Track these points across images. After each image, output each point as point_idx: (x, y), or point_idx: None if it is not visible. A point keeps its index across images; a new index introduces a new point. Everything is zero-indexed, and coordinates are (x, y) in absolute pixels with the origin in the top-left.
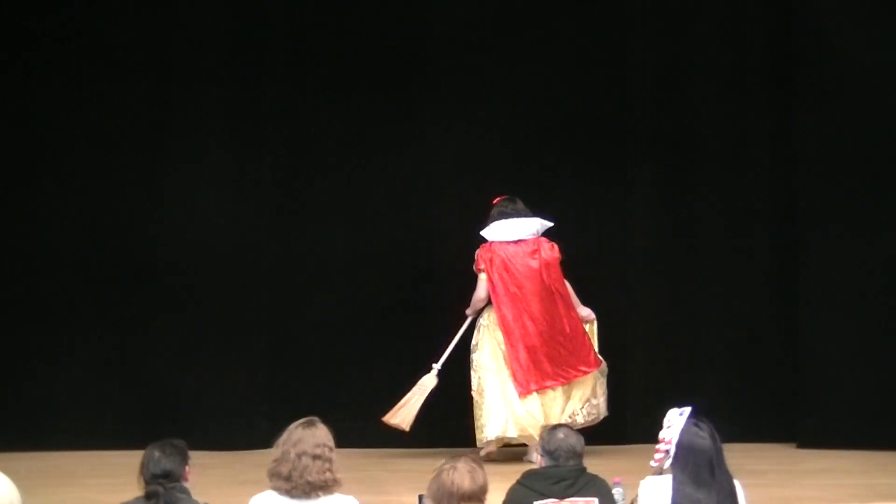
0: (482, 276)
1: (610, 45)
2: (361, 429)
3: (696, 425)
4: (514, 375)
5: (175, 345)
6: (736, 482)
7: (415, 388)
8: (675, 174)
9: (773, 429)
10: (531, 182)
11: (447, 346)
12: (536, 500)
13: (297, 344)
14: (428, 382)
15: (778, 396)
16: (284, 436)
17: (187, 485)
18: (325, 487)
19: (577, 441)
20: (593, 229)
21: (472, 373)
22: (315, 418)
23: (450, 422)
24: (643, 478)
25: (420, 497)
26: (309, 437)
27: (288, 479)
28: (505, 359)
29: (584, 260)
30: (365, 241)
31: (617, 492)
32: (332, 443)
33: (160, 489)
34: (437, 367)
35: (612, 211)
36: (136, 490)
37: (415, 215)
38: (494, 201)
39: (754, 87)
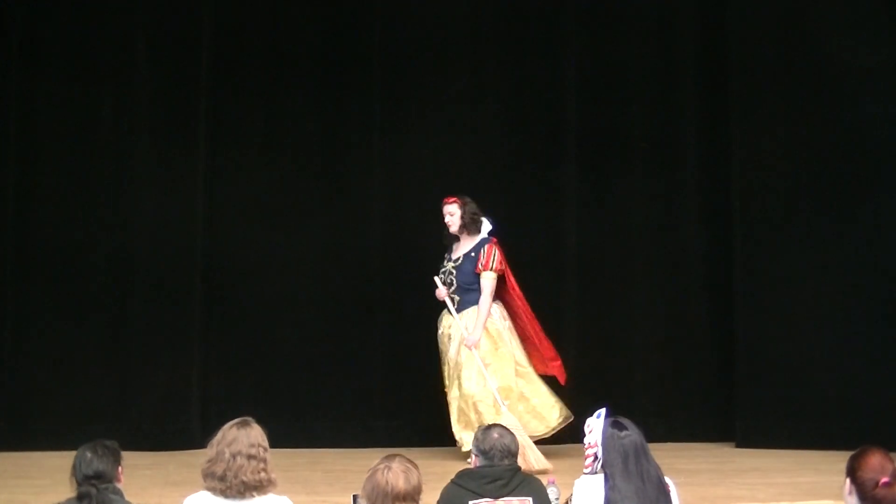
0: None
1: (542, 49)
2: (293, 429)
3: (615, 424)
4: (551, 361)
5: (107, 343)
6: (669, 480)
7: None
8: (606, 177)
9: (712, 429)
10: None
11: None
12: (471, 499)
13: (231, 344)
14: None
15: (715, 396)
16: (219, 435)
17: (120, 486)
18: (260, 487)
19: (511, 441)
20: (526, 232)
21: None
22: (249, 419)
23: (384, 420)
24: (576, 477)
25: (354, 497)
26: (243, 437)
27: (222, 479)
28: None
29: (517, 262)
30: (314, 240)
31: (551, 491)
32: (266, 443)
33: (93, 490)
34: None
35: (545, 214)
36: (67, 491)
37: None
38: (451, 200)
39: (686, 90)
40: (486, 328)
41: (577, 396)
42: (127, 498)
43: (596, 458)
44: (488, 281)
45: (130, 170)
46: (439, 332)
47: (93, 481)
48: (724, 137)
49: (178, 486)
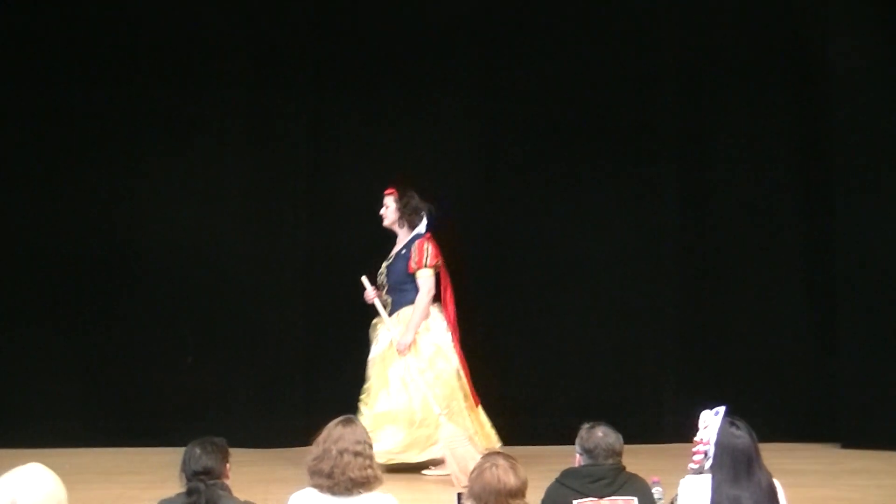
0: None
1: (633, 47)
2: None
3: (733, 424)
4: (469, 384)
5: (211, 341)
6: (775, 482)
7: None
8: (699, 176)
9: (816, 429)
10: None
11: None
12: (575, 498)
13: (333, 341)
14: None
15: (820, 396)
16: (324, 434)
17: (227, 482)
18: (367, 484)
19: (615, 439)
20: (622, 232)
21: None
22: (353, 416)
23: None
24: (680, 477)
25: (458, 496)
26: (349, 434)
27: (330, 476)
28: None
29: (614, 262)
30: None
31: (656, 491)
32: (370, 440)
33: (201, 486)
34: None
35: (642, 212)
36: (176, 487)
37: None
38: (388, 191)
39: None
40: (434, 341)
41: (679, 394)
42: (234, 494)
43: (706, 455)
44: (425, 279)
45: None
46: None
47: (201, 477)
48: (821, 133)
49: (283, 483)
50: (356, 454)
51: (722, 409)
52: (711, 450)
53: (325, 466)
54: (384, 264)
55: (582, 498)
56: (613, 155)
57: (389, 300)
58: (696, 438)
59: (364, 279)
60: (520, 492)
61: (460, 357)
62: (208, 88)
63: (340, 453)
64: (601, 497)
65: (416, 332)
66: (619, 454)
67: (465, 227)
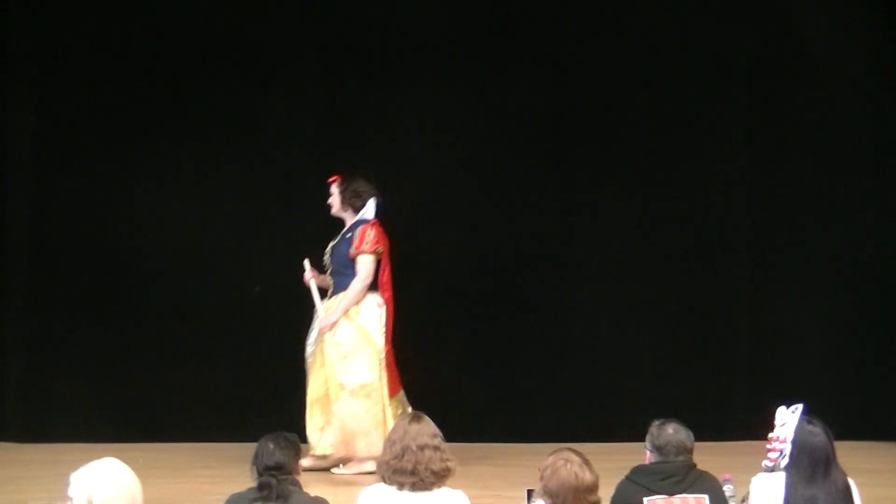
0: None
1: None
2: (464, 424)
3: (810, 423)
4: (390, 372)
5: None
6: (850, 481)
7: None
8: (770, 172)
9: (891, 428)
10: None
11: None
12: (645, 496)
13: (405, 339)
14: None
15: (891, 393)
16: (399, 432)
17: (298, 478)
18: (446, 476)
19: (686, 436)
20: (690, 223)
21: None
22: (421, 412)
23: (554, 415)
24: (751, 475)
25: (528, 492)
26: (425, 429)
27: (413, 472)
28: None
29: (681, 257)
30: None
31: (728, 489)
32: (441, 434)
33: (273, 481)
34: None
35: (711, 209)
36: (247, 481)
37: None
38: (334, 179)
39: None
40: (360, 324)
41: (746, 391)
42: (304, 489)
43: (782, 453)
44: (364, 265)
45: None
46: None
47: (273, 472)
48: None
49: (354, 479)
50: (435, 448)
51: (799, 407)
52: (788, 448)
53: (408, 464)
54: (330, 245)
55: (652, 495)
56: (686, 150)
57: (332, 283)
58: (771, 436)
59: (306, 262)
60: (595, 487)
61: (388, 343)
62: (203, 89)
63: (421, 448)
64: (671, 495)
65: (344, 315)
66: (689, 451)
67: (529, 220)
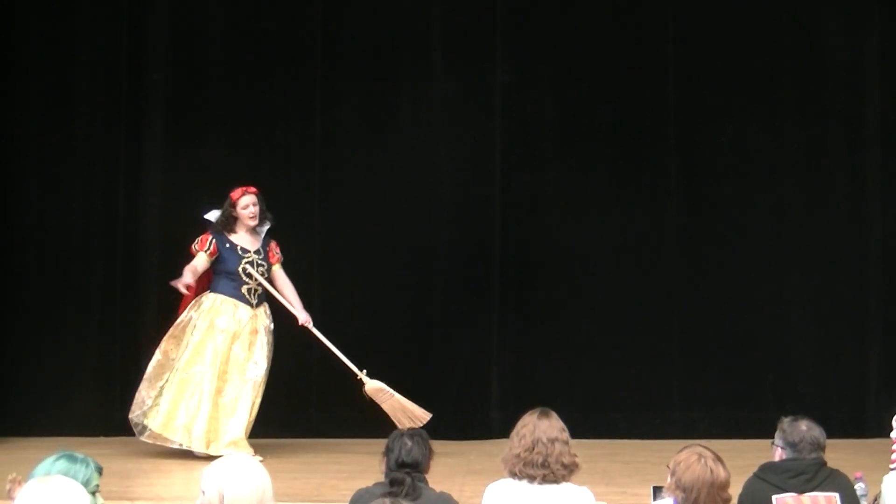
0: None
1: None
2: (591, 420)
3: None
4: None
5: (409, 332)
6: None
7: (383, 400)
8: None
9: None
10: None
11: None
12: (774, 493)
13: (527, 334)
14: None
15: None
16: (529, 426)
17: (427, 476)
18: (574, 470)
19: (820, 433)
20: (826, 223)
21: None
22: (547, 408)
23: (683, 412)
24: (884, 473)
25: (654, 489)
26: (554, 423)
27: (544, 465)
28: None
29: (820, 254)
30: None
31: (859, 487)
32: (567, 429)
33: (407, 479)
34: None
35: (846, 201)
36: (376, 477)
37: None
38: (255, 191)
39: None
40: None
41: (884, 387)
42: (430, 485)
43: None
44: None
45: (427, 163)
46: (228, 328)
47: (407, 469)
48: None
49: (479, 475)
50: (564, 442)
51: None
52: None
53: (539, 457)
54: (255, 257)
55: (781, 493)
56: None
57: (258, 291)
58: (893, 436)
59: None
60: (728, 484)
61: None
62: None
63: (552, 442)
64: (802, 493)
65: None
66: (822, 448)
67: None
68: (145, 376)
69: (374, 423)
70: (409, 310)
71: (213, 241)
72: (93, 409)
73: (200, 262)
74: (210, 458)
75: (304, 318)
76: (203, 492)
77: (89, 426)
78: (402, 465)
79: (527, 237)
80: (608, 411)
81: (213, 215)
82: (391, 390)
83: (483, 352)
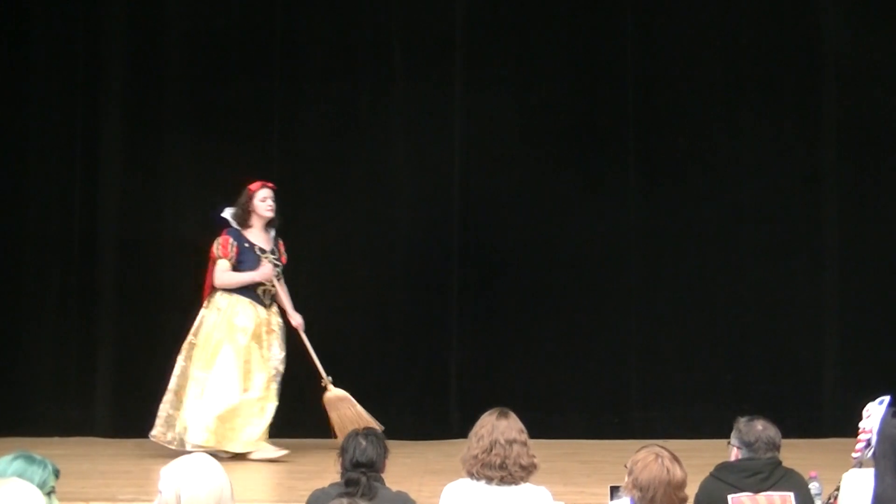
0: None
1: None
2: (549, 420)
3: (895, 413)
4: None
5: (370, 333)
6: None
7: (331, 409)
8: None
9: None
10: None
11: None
12: (730, 493)
13: (487, 334)
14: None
15: None
16: (487, 427)
17: (383, 475)
18: (532, 471)
19: (775, 432)
20: (781, 223)
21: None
22: (506, 409)
23: (641, 412)
24: (839, 472)
25: (612, 489)
26: (512, 424)
27: (502, 466)
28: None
29: (772, 253)
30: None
31: (814, 486)
32: (526, 430)
33: (362, 479)
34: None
35: (802, 202)
36: (333, 477)
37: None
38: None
39: None
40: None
41: (839, 388)
42: (387, 485)
43: (868, 444)
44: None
45: (386, 163)
46: (247, 327)
47: (362, 469)
48: None
49: (437, 475)
50: (522, 443)
51: (886, 399)
52: (874, 439)
53: (497, 458)
54: (271, 257)
55: (737, 493)
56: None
57: (271, 291)
58: (859, 427)
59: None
60: (685, 484)
61: None
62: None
63: (510, 443)
64: (757, 492)
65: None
66: (778, 448)
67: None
68: (168, 388)
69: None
70: (368, 310)
71: (234, 245)
72: (49, 409)
73: (228, 269)
74: (236, 456)
75: (298, 320)
76: (160, 492)
77: (45, 427)
78: (357, 465)
79: (486, 238)
80: (567, 411)
81: (228, 213)
82: (353, 400)
83: (442, 351)
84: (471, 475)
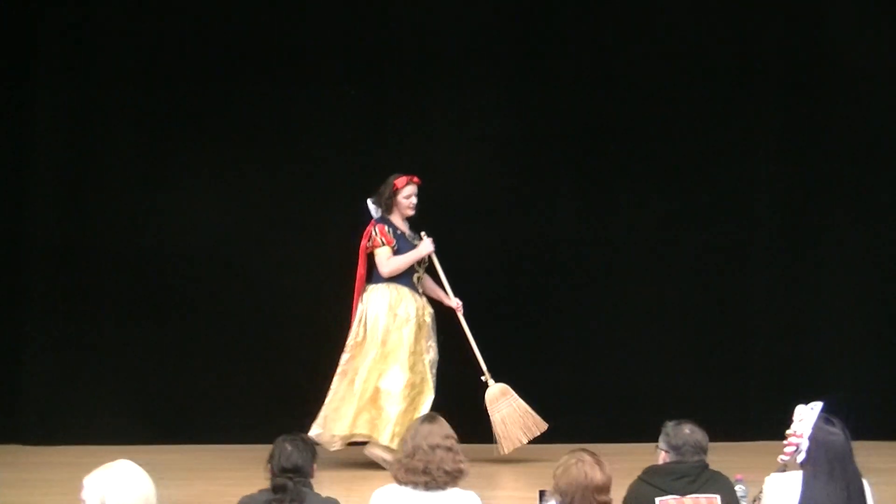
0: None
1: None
2: (475, 425)
3: (828, 421)
4: None
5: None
6: (864, 481)
7: (494, 410)
8: (796, 168)
9: None
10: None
11: (475, 352)
12: (657, 496)
13: None
14: (494, 394)
15: None
16: (411, 432)
17: (313, 481)
18: (459, 477)
19: (702, 436)
20: (709, 223)
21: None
22: (436, 413)
23: (570, 416)
24: (764, 474)
25: (541, 493)
26: (437, 430)
27: (426, 471)
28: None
29: (693, 257)
30: None
31: (739, 489)
32: (455, 435)
33: (289, 484)
34: (487, 377)
35: (734, 199)
36: (261, 483)
37: None
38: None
39: None
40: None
41: (763, 391)
42: (315, 490)
43: (798, 449)
44: None
45: (330, 171)
46: (411, 317)
47: (289, 474)
48: None
49: (367, 480)
50: (447, 449)
51: (818, 405)
52: (805, 444)
53: (420, 464)
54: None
55: (664, 496)
56: (711, 151)
57: (421, 278)
58: (789, 431)
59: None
60: (606, 487)
61: None
62: (232, 88)
63: (433, 449)
64: (684, 495)
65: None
66: (705, 451)
67: (552, 220)
68: (332, 388)
69: (258, 427)
70: (306, 316)
71: (391, 231)
72: None
73: (391, 255)
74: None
75: (457, 302)
76: (83, 500)
77: None
78: (284, 471)
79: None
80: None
81: (371, 205)
82: (515, 395)
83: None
84: (397, 480)
